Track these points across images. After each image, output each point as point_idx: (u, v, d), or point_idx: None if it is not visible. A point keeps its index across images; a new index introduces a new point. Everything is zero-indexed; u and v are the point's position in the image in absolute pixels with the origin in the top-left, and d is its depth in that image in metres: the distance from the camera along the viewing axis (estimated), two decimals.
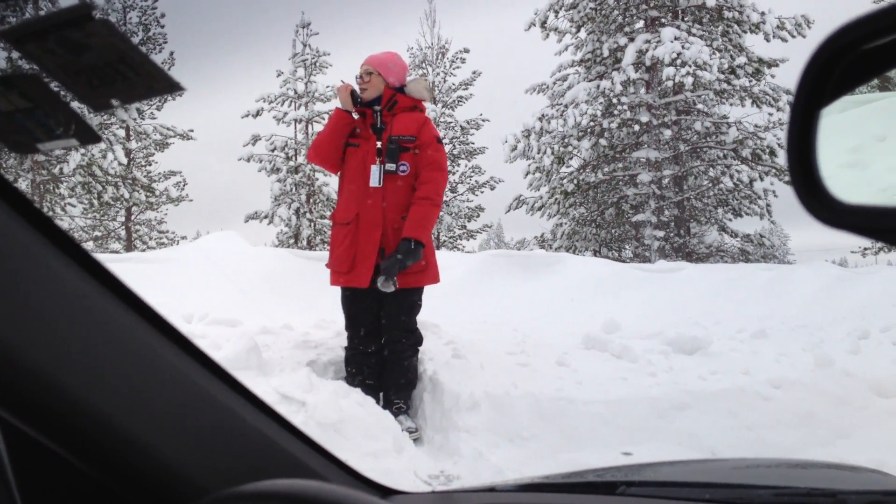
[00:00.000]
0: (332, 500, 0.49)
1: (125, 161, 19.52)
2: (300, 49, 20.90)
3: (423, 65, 24.68)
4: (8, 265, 0.50)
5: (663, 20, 16.75)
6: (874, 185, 0.62)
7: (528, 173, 17.50)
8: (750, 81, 16.44)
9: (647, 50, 15.69)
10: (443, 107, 24.31)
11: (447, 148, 23.39)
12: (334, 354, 3.74)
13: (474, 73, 24.84)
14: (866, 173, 0.63)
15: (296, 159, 20.34)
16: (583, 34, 17.85)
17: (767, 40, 16.47)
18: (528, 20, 17.57)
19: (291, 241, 20.15)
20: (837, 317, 6.48)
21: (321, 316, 4.47)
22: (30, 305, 0.51)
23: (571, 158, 17.46)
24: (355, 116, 3.50)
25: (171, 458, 0.58)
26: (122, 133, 21.30)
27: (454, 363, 3.62)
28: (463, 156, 25.00)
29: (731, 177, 16.44)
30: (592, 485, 1.04)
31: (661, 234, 16.71)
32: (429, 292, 3.63)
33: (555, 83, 18.36)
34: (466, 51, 24.89)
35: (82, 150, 17.79)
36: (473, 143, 25.16)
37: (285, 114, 20.66)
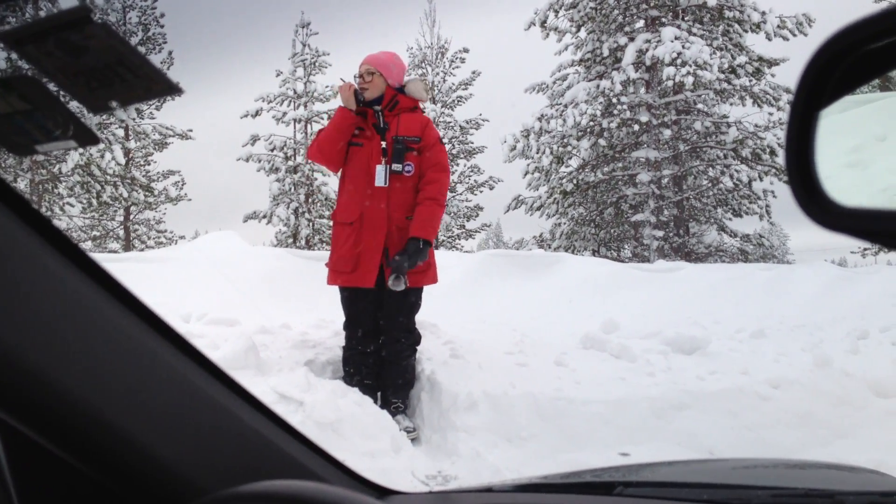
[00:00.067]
0: (329, 500, 0.50)
1: (124, 161, 19.49)
2: (299, 49, 20.87)
3: (423, 64, 24.67)
4: (6, 266, 0.50)
5: (663, 20, 16.73)
6: (874, 185, 0.62)
7: (527, 173, 17.49)
8: (750, 81, 16.43)
9: (647, 49, 15.69)
10: (442, 107, 24.31)
11: (447, 148, 23.37)
12: (332, 354, 3.74)
13: (474, 72, 24.85)
14: (866, 174, 0.62)
15: (294, 159, 20.33)
16: (583, 34, 17.84)
17: (769, 39, 16.43)
18: (527, 20, 17.57)
19: (290, 240, 20.13)
20: (837, 317, 6.49)
21: (319, 315, 4.48)
22: (28, 307, 0.51)
23: (570, 158, 17.46)
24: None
25: (169, 458, 0.58)
26: (121, 133, 21.33)
27: (452, 363, 3.62)
28: (462, 155, 25.00)
29: (731, 177, 16.43)
30: (590, 485, 1.04)
31: (660, 233, 16.72)
32: (427, 292, 3.63)
33: (554, 83, 18.37)
34: (466, 50, 24.91)
35: (81, 150, 17.78)
36: (472, 143, 25.19)
37: (284, 114, 20.63)
